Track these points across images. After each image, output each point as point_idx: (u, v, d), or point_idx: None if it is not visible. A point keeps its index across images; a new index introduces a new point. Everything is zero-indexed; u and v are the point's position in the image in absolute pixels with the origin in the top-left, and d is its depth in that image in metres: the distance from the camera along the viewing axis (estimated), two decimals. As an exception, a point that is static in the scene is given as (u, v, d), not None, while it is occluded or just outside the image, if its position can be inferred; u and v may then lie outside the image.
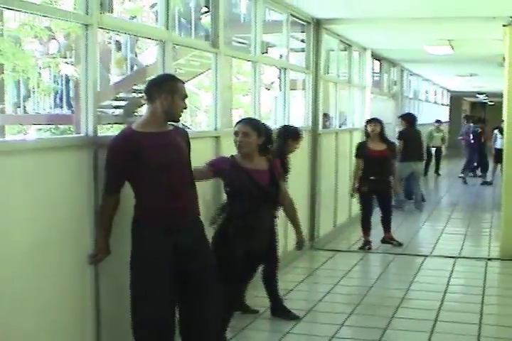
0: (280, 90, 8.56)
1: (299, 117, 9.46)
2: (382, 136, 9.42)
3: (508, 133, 9.05)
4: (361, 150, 9.45)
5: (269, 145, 5.57)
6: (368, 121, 9.59)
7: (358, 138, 11.73)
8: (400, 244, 9.60)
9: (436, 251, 9.41)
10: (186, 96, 4.44)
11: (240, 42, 11.24)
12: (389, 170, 9.45)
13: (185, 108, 4.42)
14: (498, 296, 7.50)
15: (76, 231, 4.23)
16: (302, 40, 9.71)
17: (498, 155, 16.51)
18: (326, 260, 8.81)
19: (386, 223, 9.69)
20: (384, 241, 9.68)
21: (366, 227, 9.53)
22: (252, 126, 5.32)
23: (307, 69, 9.43)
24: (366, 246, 9.44)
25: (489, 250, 9.49)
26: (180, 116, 4.43)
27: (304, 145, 7.98)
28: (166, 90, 4.29)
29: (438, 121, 20.24)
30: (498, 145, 17.58)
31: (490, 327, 6.15)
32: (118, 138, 4.28)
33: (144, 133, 4.25)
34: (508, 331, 6.11)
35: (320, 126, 9.68)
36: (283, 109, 8.47)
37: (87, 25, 4.35)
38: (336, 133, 10.64)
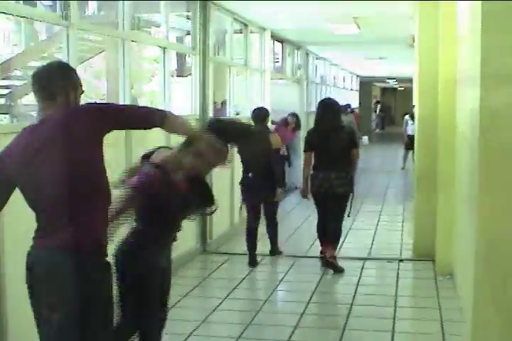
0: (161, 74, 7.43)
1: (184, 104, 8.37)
2: None
3: (420, 120, 8.15)
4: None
5: None
6: None
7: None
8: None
9: (342, 251, 8.39)
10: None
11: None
12: None
13: None
14: (412, 308, 6.51)
15: None
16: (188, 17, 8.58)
17: (411, 142, 15.94)
18: (219, 266, 7.75)
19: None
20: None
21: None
22: None
23: (193, 50, 8.27)
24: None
25: (401, 249, 8.59)
26: None
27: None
28: (72, 84, 3.23)
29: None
30: (409, 132, 17.09)
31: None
32: None
33: None
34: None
35: (211, 115, 8.54)
36: (162, 94, 7.31)
37: None
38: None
